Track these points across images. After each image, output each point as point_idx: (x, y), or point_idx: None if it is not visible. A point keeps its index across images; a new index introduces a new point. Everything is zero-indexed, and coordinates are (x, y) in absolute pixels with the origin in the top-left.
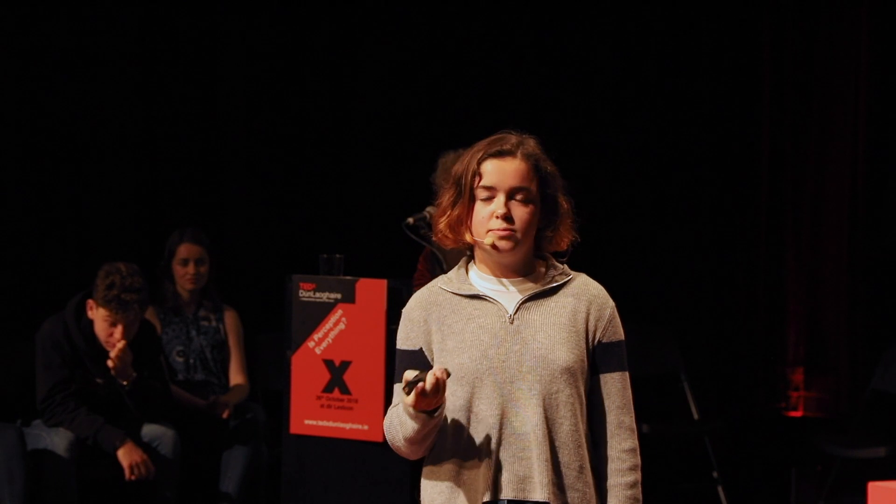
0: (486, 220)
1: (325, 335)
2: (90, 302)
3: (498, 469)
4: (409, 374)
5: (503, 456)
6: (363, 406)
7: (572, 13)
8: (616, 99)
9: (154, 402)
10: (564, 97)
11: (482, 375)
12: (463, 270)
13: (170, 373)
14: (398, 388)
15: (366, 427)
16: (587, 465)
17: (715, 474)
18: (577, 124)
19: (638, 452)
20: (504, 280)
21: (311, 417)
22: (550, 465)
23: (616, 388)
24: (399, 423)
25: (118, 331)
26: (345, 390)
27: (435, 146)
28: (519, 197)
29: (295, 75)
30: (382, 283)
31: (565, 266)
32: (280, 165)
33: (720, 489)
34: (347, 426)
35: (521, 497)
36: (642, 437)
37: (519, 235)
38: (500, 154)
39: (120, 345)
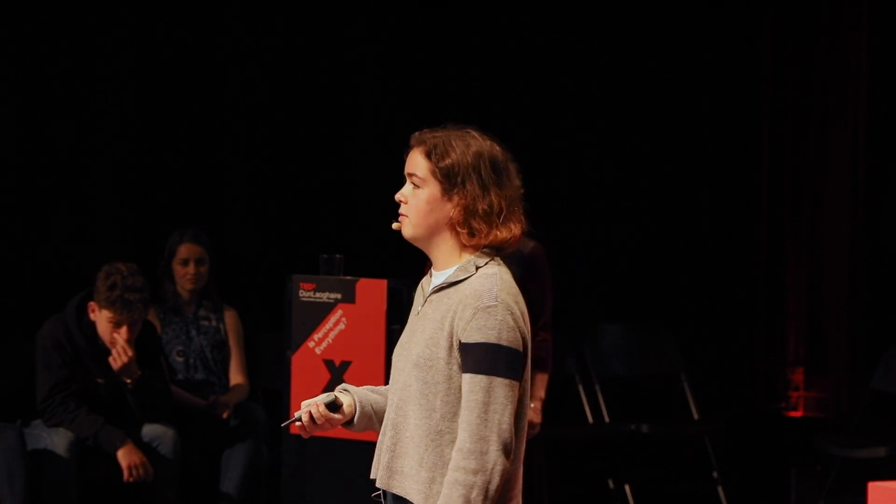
0: None
1: (325, 335)
2: (92, 304)
3: (377, 449)
4: (303, 405)
5: (382, 439)
6: None
7: (572, 13)
8: (617, 99)
9: (156, 402)
10: (565, 97)
11: (394, 362)
12: None
13: (170, 373)
14: None
15: None
16: (435, 462)
17: (715, 474)
18: (577, 124)
19: (474, 456)
20: (434, 272)
21: None
22: (393, 452)
23: (464, 388)
24: None
25: (123, 331)
26: None
27: None
28: (412, 183)
29: (295, 75)
30: (382, 283)
31: (482, 263)
32: (280, 165)
33: (720, 489)
34: None
35: (374, 476)
36: (642, 437)
37: (410, 221)
38: (411, 143)
39: (121, 341)
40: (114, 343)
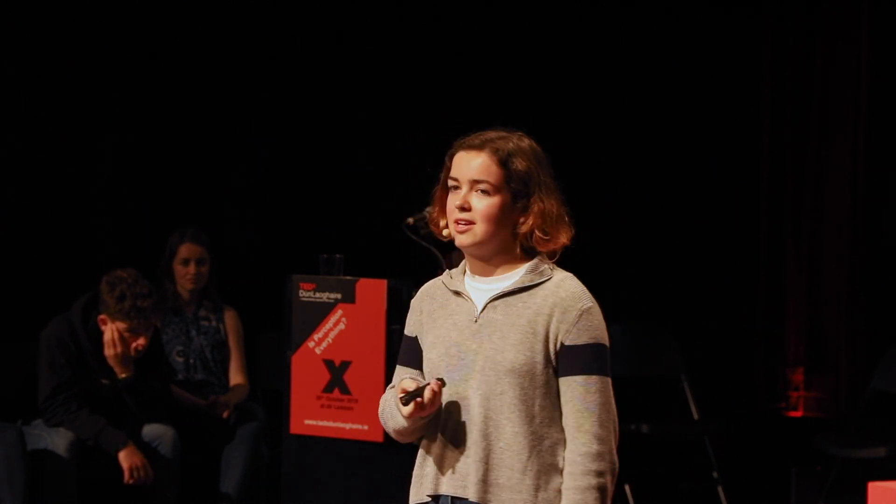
0: (452, 212)
1: (325, 335)
2: (102, 318)
3: (444, 463)
4: (409, 384)
5: (448, 452)
6: (363, 406)
7: (572, 15)
8: (617, 98)
9: (152, 399)
10: (565, 96)
11: (444, 372)
12: (462, 265)
13: (170, 373)
14: (399, 369)
15: (366, 427)
16: (539, 469)
17: (715, 474)
18: (577, 123)
19: (603, 458)
20: (484, 278)
21: (311, 417)
22: (486, 465)
23: (576, 391)
24: (390, 414)
25: (142, 340)
26: (345, 390)
27: (437, 145)
28: (479, 189)
29: (295, 74)
30: (382, 283)
31: (550, 266)
32: (280, 165)
33: (720, 489)
34: (347, 426)
35: (458, 493)
36: (642, 437)
37: (477, 229)
38: (468, 147)
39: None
40: (131, 353)
